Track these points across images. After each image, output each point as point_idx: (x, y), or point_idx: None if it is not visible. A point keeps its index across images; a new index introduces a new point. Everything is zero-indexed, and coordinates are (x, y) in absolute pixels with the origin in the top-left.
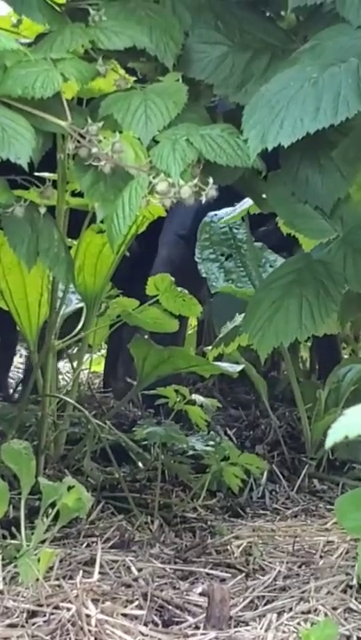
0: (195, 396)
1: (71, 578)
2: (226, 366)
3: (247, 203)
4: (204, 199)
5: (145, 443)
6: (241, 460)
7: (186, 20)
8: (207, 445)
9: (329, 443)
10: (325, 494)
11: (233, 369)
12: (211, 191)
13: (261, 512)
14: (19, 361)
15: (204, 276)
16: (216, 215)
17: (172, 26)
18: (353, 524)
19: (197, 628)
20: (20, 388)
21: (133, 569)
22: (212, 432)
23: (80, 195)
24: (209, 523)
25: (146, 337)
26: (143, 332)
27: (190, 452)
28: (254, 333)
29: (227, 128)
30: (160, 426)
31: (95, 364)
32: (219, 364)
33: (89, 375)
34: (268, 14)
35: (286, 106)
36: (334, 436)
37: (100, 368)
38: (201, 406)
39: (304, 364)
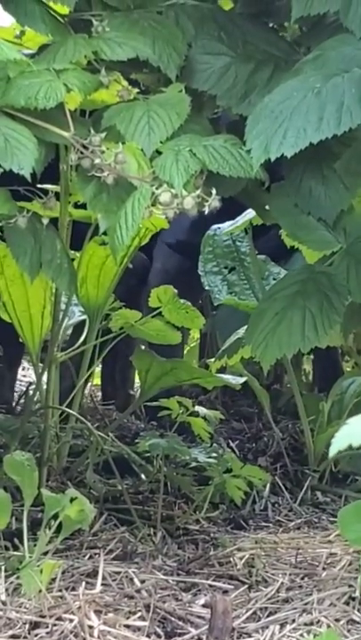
0: (197, 408)
1: (74, 589)
2: (229, 378)
3: (250, 214)
4: (207, 210)
5: (148, 455)
6: (244, 472)
7: (189, 31)
8: (210, 457)
9: (332, 452)
10: (328, 506)
11: (236, 381)
12: (214, 202)
13: (264, 524)
14: (21, 373)
15: (207, 288)
16: (219, 228)
17: (175, 37)
18: (356, 535)
19: (200, 639)
20: (22, 400)
21: (136, 580)
22: (214, 444)
23: (83, 206)
24: (212, 535)
25: (143, 347)
26: (140, 341)
27: (193, 464)
28: (257, 345)
29: (230, 139)
30: (163, 438)
31: (97, 376)
32: (221, 375)
33: (91, 387)
34: (271, 25)
35: (289, 116)
36: (338, 444)
37: None
38: (204, 418)
39: (307, 376)
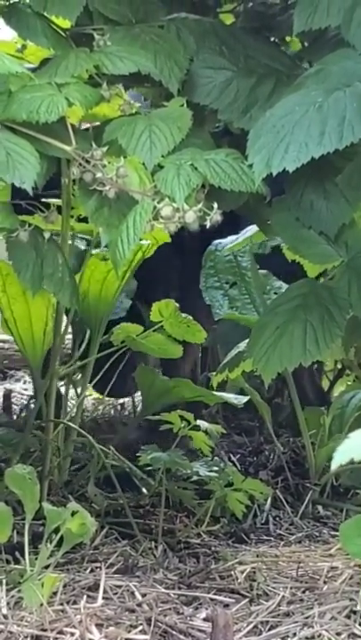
0: (199, 422)
1: (75, 603)
2: (231, 397)
3: (250, 231)
4: (208, 224)
5: (149, 468)
6: (245, 486)
7: (190, 46)
8: (211, 471)
9: (334, 465)
10: (329, 520)
11: (238, 400)
12: (215, 216)
13: (265, 538)
14: (22, 387)
15: (208, 303)
16: (220, 243)
17: (176, 51)
18: (357, 548)
19: None
20: (24, 413)
21: (137, 594)
22: (215, 458)
23: (84, 220)
24: (213, 548)
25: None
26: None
27: (194, 478)
28: (259, 358)
29: (231, 153)
30: (164, 452)
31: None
32: (224, 394)
33: (93, 401)
34: (272, 40)
35: (291, 130)
36: (339, 458)
37: None
38: (205, 432)
39: None
